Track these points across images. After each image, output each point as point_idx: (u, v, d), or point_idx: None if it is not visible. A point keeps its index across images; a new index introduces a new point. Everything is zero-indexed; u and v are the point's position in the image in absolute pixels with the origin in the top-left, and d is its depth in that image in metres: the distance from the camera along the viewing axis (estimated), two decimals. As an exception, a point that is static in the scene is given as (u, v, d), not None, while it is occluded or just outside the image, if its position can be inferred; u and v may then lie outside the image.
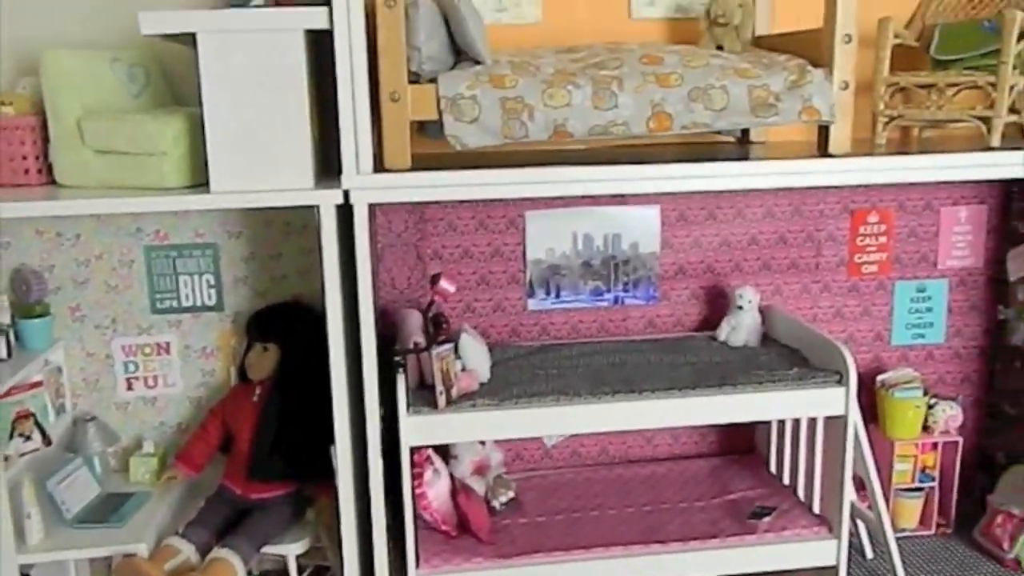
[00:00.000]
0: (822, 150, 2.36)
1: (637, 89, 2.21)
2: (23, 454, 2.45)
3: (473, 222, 2.83)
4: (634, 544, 2.51)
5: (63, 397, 2.71)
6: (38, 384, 2.53)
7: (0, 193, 2.24)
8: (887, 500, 2.83)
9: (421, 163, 2.23)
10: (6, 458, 2.34)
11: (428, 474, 2.51)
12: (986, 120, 2.43)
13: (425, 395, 2.37)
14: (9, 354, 2.48)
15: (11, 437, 2.42)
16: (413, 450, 2.38)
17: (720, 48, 2.57)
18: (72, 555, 2.47)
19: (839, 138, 2.33)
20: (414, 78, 2.20)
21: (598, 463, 3.03)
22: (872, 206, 2.97)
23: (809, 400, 2.47)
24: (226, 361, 2.79)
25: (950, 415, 2.93)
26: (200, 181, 2.21)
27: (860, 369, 2.78)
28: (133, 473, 2.71)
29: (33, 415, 2.48)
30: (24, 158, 2.33)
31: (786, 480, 2.84)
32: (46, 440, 2.51)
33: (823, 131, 2.37)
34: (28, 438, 2.46)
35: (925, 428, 2.94)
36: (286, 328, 2.63)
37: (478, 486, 2.73)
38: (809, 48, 2.33)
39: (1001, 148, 2.40)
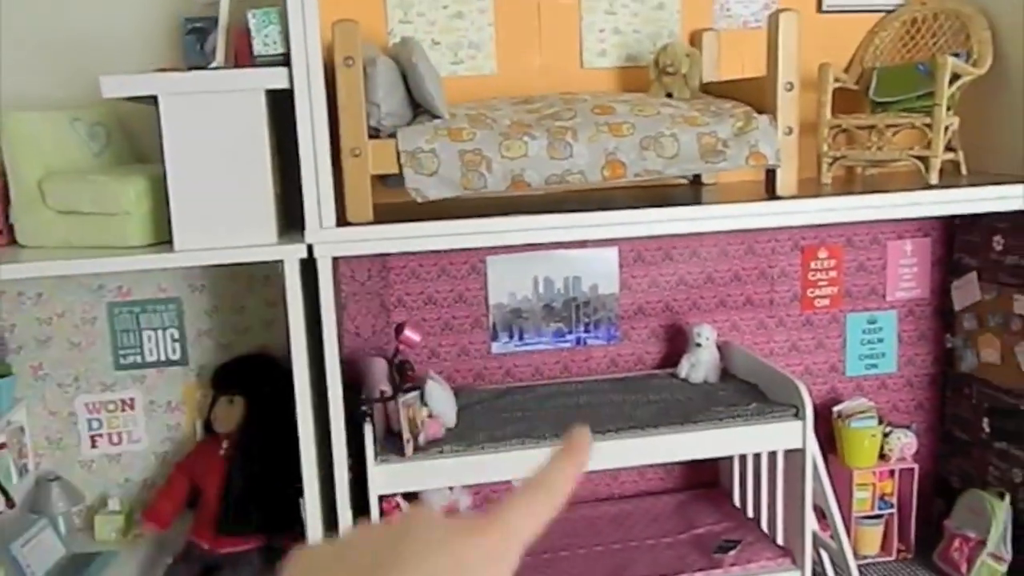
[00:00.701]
0: (770, 192, 2.45)
1: (591, 139, 2.29)
2: (-14, 518, 2.42)
3: (435, 269, 2.88)
4: (603, 583, 2.55)
5: (26, 457, 2.68)
6: (1, 446, 2.50)
7: (-39, 256, 2.24)
8: (848, 528, 2.90)
9: (383, 214, 2.27)
10: (-32, 523, 2.31)
11: (397, 521, 2.52)
12: (924, 159, 2.56)
13: (393, 443, 2.40)
14: (-30, 416, 2.46)
15: (-27, 501, 2.39)
16: (382, 498, 2.39)
17: (670, 95, 2.67)
18: (38, 619, 2.44)
19: (786, 181, 2.42)
20: (374, 133, 2.25)
21: (566, 502, 3.05)
22: (821, 242, 3.08)
23: (768, 434, 2.54)
24: (191, 415, 2.79)
25: (905, 443, 3.02)
26: (163, 239, 2.22)
27: (816, 400, 2.87)
28: (99, 531, 2.68)
29: (-4, 478, 2.45)
30: (-16, 220, 2.34)
31: (750, 513, 2.90)
32: (9, 503, 2.48)
33: (770, 174, 2.46)
34: (-9, 501, 2.43)
35: (882, 456, 3.02)
36: (252, 380, 2.65)
37: (448, 531, 2.75)
38: (754, 95, 2.43)
39: (940, 185, 2.52)
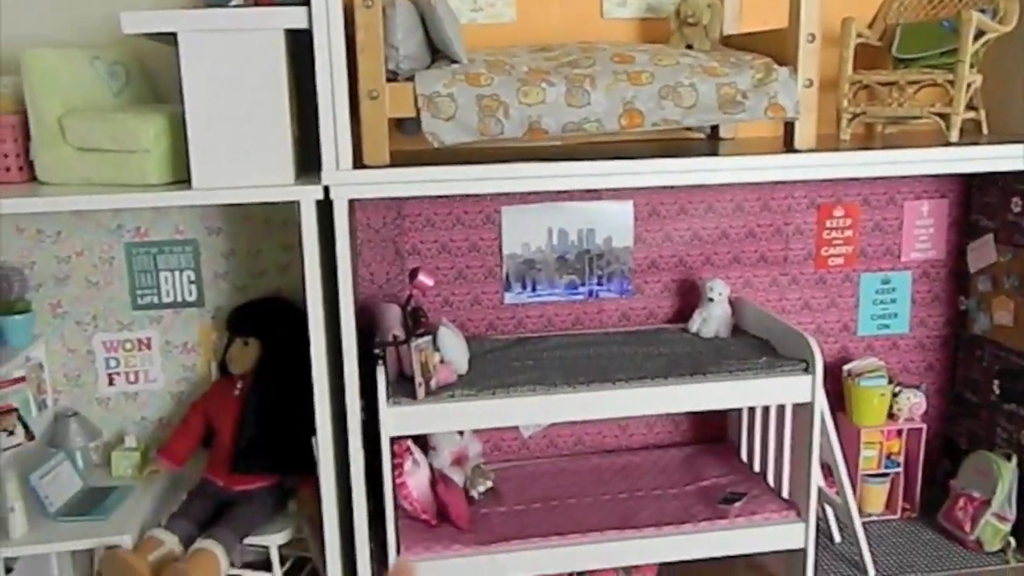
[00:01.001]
0: (788, 146, 2.44)
1: (609, 87, 2.28)
2: (6, 449, 2.47)
3: (450, 218, 2.89)
4: (610, 530, 2.57)
5: (45, 393, 2.73)
6: (20, 380, 2.55)
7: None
8: (854, 486, 2.92)
9: (399, 160, 2.28)
10: (-11, 453, 2.37)
11: (408, 464, 2.56)
12: (945, 116, 2.53)
13: (405, 387, 2.42)
14: (-10, 351, 2.51)
15: (-6, 432, 2.44)
16: (393, 440, 2.43)
17: (690, 47, 2.65)
18: (56, 547, 2.50)
19: (804, 134, 2.41)
20: (392, 76, 2.25)
21: (574, 453, 3.10)
22: (838, 200, 3.06)
23: (777, 388, 2.55)
24: (207, 356, 2.83)
25: (914, 403, 3.03)
26: (181, 178, 2.24)
27: (827, 359, 2.88)
28: (115, 467, 2.73)
29: (16, 410, 2.50)
30: (5, 156, 2.35)
31: (756, 467, 2.92)
32: (29, 435, 2.53)
33: (788, 127, 2.45)
34: (11, 433, 2.48)
35: (890, 416, 3.03)
36: (267, 323, 2.68)
37: (457, 476, 2.79)
38: (775, 47, 2.41)
39: (960, 143, 2.50)
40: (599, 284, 3.00)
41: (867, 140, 2.79)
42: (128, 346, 2.79)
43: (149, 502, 2.62)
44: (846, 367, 3.05)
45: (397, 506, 2.50)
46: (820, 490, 2.76)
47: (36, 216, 2.68)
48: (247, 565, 2.68)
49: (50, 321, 2.74)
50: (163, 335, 2.80)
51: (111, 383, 2.81)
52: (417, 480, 2.59)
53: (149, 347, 2.80)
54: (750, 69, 2.35)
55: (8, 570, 2.43)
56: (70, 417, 2.69)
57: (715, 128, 2.84)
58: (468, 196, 2.85)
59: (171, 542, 2.44)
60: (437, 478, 2.67)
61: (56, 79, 2.29)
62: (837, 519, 2.96)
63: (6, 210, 2.21)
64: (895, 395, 3.02)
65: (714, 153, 2.54)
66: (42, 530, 2.45)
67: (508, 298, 2.97)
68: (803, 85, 2.36)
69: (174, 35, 2.14)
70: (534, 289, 2.98)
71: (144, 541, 2.44)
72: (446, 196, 2.82)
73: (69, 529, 2.46)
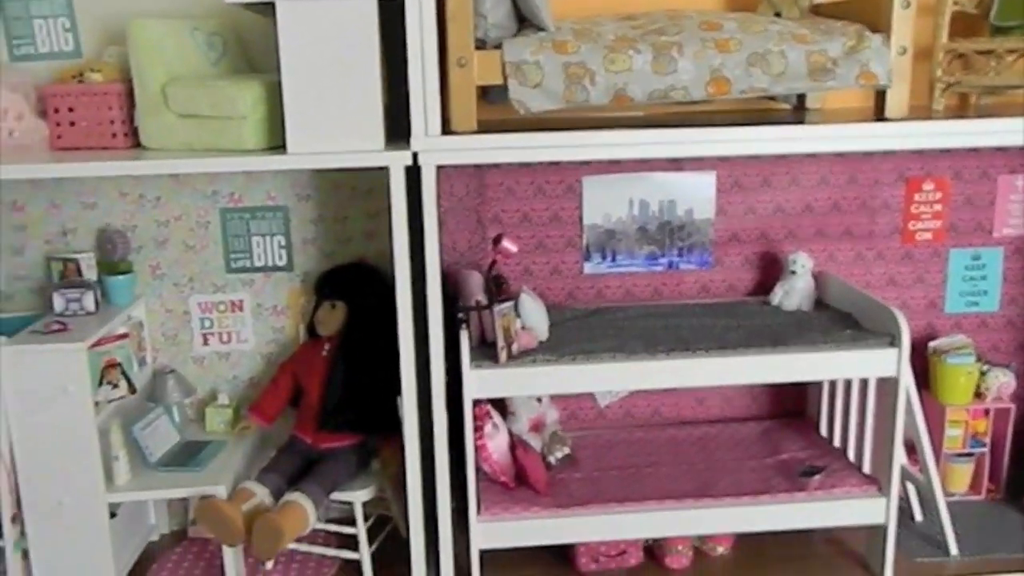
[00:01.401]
0: (879, 115, 2.39)
1: (697, 54, 2.27)
2: (110, 401, 2.61)
3: (532, 187, 2.92)
4: (687, 498, 2.59)
5: (144, 351, 2.87)
6: (123, 336, 2.69)
7: (89, 155, 2.39)
8: (937, 464, 2.87)
9: (485, 128, 2.32)
10: (96, 404, 2.50)
11: (488, 427, 2.61)
12: (1045, 85, 2.45)
13: (486, 351, 2.47)
14: (96, 308, 2.64)
15: (100, 384, 2.57)
16: (475, 403, 2.48)
17: (778, 15, 2.61)
18: (156, 495, 2.64)
19: (896, 103, 2.36)
20: (480, 44, 2.28)
21: (651, 424, 3.11)
22: (928, 174, 2.99)
23: (862, 361, 2.52)
24: (295, 319, 2.93)
25: (1003, 382, 2.95)
26: (277, 144, 2.32)
27: (913, 336, 2.81)
28: (209, 423, 2.86)
29: (119, 365, 2.63)
30: (112, 122, 2.46)
31: (836, 442, 2.89)
32: (131, 388, 2.66)
33: (880, 96, 2.40)
34: (115, 386, 2.61)
35: (977, 395, 2.96)
36: (354, 287, 2.76)
37: (535, 442, 2.84)
38: (867, 14, 2.36)
39: (1060, 113, 2.42)
40: (679, 255, 3.00)
41: (961, 111, 2.71)
42: (222, 308, 2.91)
43: (241, 457, 2.73)
44: (932, 344, 2.99)
45: (477, 468, 2.56)
46: (902, 467, 2.72)
47: (138, 181, 2.80)
48: (331, 520, 2.79)
49: (150, 282, 2.87)
50: (254, 298, 2.91)
51: (205, 343, 2.93)
52: (497, 443, 2.64)
53: (241, 309, 2.92)
54: (841, 36, 2.31)
55: (112, 514, 2.57)
56: (168, 374, 2.83)
57: (802, 99, 2.79)
58: (550, 166, 2.88)
59: (262, 494, 2.55)
60: (516, 442, 2.72)
61: (160, 49, 2.39)
62: (919, 498, 2.92)
63: (113, 172, 2.33)
64: (983, 374, 2.95)
65: (801, 122, 2.51)
66: (143, 478, 2.59)
67: (588, 268, 2.99)
68: (896, 52, 2.31)
69: (271, 5, 2.21)
70: (614, 259, 2.99)
71: (237, 492, 2.55)
72: (528, 166, 2.86)
73: (168, 478, 2.60)
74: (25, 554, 2.50)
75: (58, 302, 2.61)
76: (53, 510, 2.47)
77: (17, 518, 2.47)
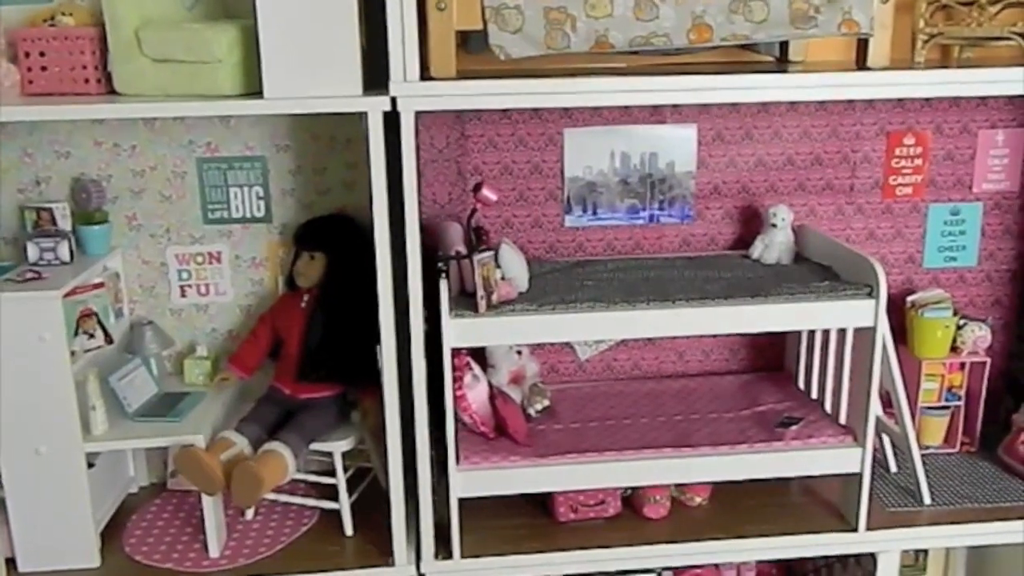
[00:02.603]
0: (861, 64, 2.38)
1: (678, 1, 2.25)
2: (87, 350, 2.59)
3: (513, 139, 2.90)
4: (665, 447, 2.61)
5: (121, 302, 2.84)
6: (99, 286, 2.66)
7: (62, 100, 2.34)
8: (913, 418, 2.90)
9: (464, 77, 2.29)
10: (72, 353, 2.48)
11: (468, 378, 2.62)
12: (1027, 36, 2.45)
13: (466, 302, 2.46)
14: (71, 258, 2.61)
15: (76, 334, 2.55)
16: (454, 352, 2.48)
17: (761, -36, 2.58)
18: (135, 444, 2.63)
19: (878, 52, 2.35)
20: (460, -12, 2.25)
21: (631, 377, 3.12)
22: (908, 128, 2.99)
23: (839, 311, 2.53)
24: (274, 271, 2.91)
25: (979, 336, 2.98)
26: (253, 90, 2.28)
27: (891, 290, 2.83)
28: (188, 375, 2.85)
29: (96, 314, 2.61)
30: (84, 67, 2.41)
31: (814, 395, 2.92)
32: (108, 339, 2.64)
33: (862, 46, 2.39)
34: (91, 336, 2.60)
35: (953, 349, 2.99)
36: (333, 238, 2.73)
37: (515, 394, 2.84)
38: (851, -39, 2.34)
39: (1042, 64, 2.42)
40: (660, 209, 3.00)
41: (943, 64, 2.70)
42: (199, 259, 2.88)
43: (219, 408, 2.72)
44: (910, 298, 3.01)
45: (457, 418, 2.56)
46: (878, 419, 2.75)
47: (113, 130, 2.76)
48: (311, 472, 2.79)
49: (126, 233, 2.84)
50: (233, 249, 2.89)
51: (183, 295, 2.90)
52: (476, 394, 2.65)
53: (219, 261, 2.89)
54: (824, -17, 2.29)
55: (89, 464, 2.56)
56: (145, 326, 2.81)
57: (784, 51, 2.77)
58: (531, 117, 2.86)
59: (241, 443, 2.55)
60: (496, 394, 2.73)
61: (133, -9, 2.35)
62: (894, 449, 2.96)
63: (82, 116, 2.29)
64: (959, 328, 2.98)
65: (783, 72, 2.50)
66: (121, 428, 2.57)
67: (569, 221, 2.98)
68: (879, 1, 2.30)
69: (246, -55, 2.17)
70: (595, 213, 2.99)
71: (216, 442, 2.55)
72: (509, 116, 2.84)
73: (146, 428, 2.58)
74: (2, 503, 2.49)
75: (32, 251, 2.58)
76: (30, 459, 2.46)
77: (-7, 468, 2.46)
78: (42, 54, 2.40)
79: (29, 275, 2.49)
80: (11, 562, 2.53)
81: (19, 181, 2.77)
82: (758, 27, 2.28)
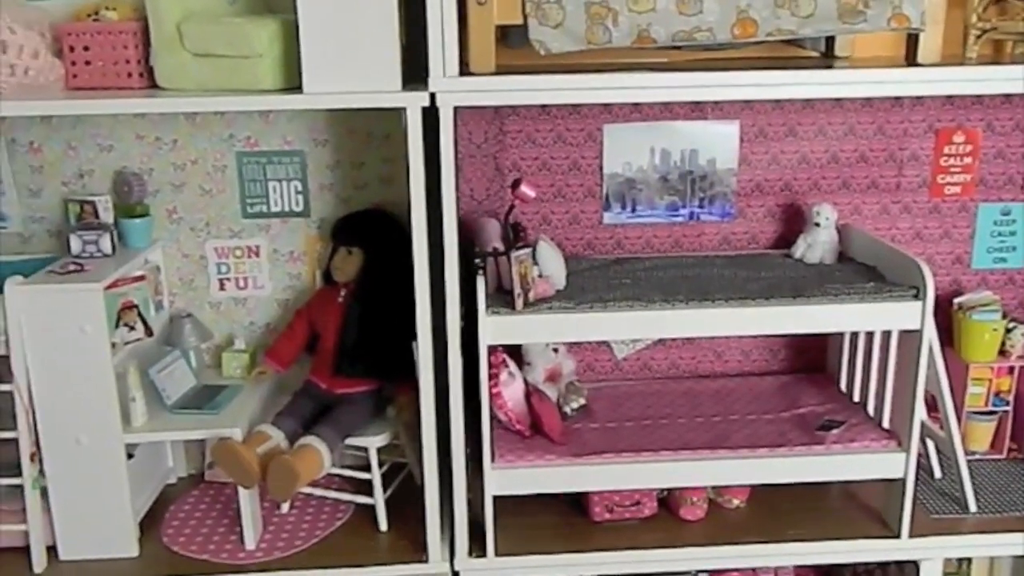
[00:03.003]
0: (910, 60, 2.32)
1: (723, -6, 2.20)
2: (127, 343, 2.61)
3: (552, 135, 2.87)
4: (702, 449, 2.57)
5: (161, 295, 2.87)
6: (140, 278, 2.68)
7: (105, 95, 2.36)
8: (959, 423, 2.82)
9: (505, 72, 2.27)
10: (113, 345, 2.51)
11: (503, 375, 2.60)
12: (1086, 31, 2.36)
13: (503, 298, 2.44)
14: (113, 251, 2.63)
15: (117, 326, 2.58)
16: (491, 349, 2.46)
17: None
18: (173, 436, 2.67)
19: (929, 47, 2.29)
20: (500, -18, 2.23)
21: (668, 376, 3.09)
22: (958, 125, 2.91)
23: (885, 313, 2.47)
24: (312, 265, 2.92)
25: (1029, 340, 2.90)
26: (293, 84, 2.29)
27: (938, 291, 2.75)
28: (225, 368, 2.86)
29: (136, 307, 2.63)
30: (127, 62, 2.42)
31: (856, 398, 2.86)
32: (148, 331, 2.66)
33: (912, 41, 2.33)
34: (132, 328, 2.62)
35: (1002, 352, 2.91)
36: (370, 233, 2.73)
37: (551, 392, 2.82)
38: (902, -46, 2.28)
39: (1100, 61, 2.34)
40: (700, 206, 2.95)
41: (996, 61, 2.62)
42: (238, 253, 2.90)
43: (256, 401, 2.74)
44: (957, 300, 2.94)
45: (492, 416, 2.55)
46: (923, 423, 2.69)
47: (155, 124, 2.78)
48: (347, 466, 2.80)
49: (167, 226, 2.86)
50: (271, 243, 2.90)
51: (222, 288, 2.92)
52: (512, 391, 2.63)
53: (258, 255, 2.90)
54: (874, -24, 2.23)
55: (129, 455, 2.59)
56: (184, 318, 2.83)
57: (830, 47, 2.72)
58: (570, 113, 2.83)
59: (277, 437, 2.56)
60: (532, 391, 2.71)
61: (176, -15, 2.36)
62: (939, 455, 2.89)
63: (124, 110, 2.30)
64: (1008, 331, 2.90)
65: (829, 68, 2.44)
66: (160, 420, 2.60)
67: (607, 218, 2.95)
68: (931, -6, 2.23)
69: (288, -60, 2.16)
70: (634, 210, 2.95)
71: (252, 435, 2.56)
72: (548, 112, 2.82)
73: (184, 420, 2.60)
74: (44, 492, 2.53)
75: (75, 244, 2.61)
76: (71, 449, 2.49)
77: (36, 456, 2.49)
78: (86, 48, 2.42)
79: (71, 267, 2.52)
80: (52, 550, 2.57)
81: (63, 174, 2.81)
82: (804, 22, 2.22)
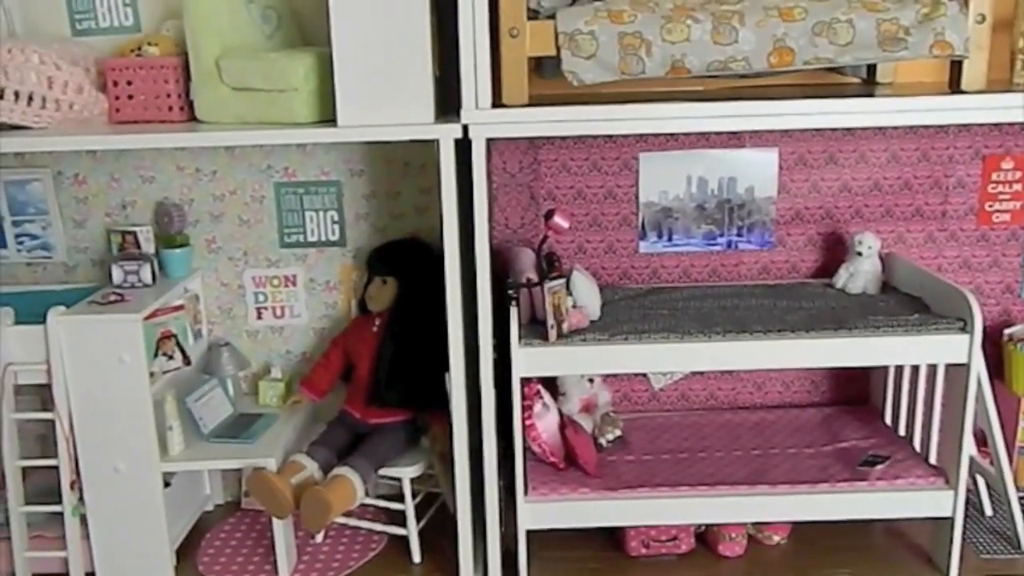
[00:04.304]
0: (954, 87, 2.26)
1: (759, 23, 2.17)
2: (166, 372, 2.65)
3: (587, 163, 2.86)
4: (741, 484, 2.51)
5: (200, 323, 2.91)
6: (179, 308, 2.72)
7: (146, 128, 2.41)
8: (1010, 458, 2.72)
9: (537, 102, 2.26)
10: (151, 374, 2.54)
11: (537, 407, 2.58)
12: None
13: (536, 330, 2.43)
14: (153, 280, 2.68)
15: (155, 356, 2.61)
16: (524, 381, 2.44)
17: (847, -17, 2.49)
18: (208, 465, 2.69)
19: (973, 74, 2.23)
20: (533, 14, 2.23)
21: (706, 408, 3.03)
22: (1007, 152, 2.83)
23: (931, 347, 2.40)
24: (347, 294, 2.93)
25: (1084, 373, 2.79)
26: (328, 117, 2.31)
27: (987, 322, 2.68)
28: (262, 396, 2.88)
29: (175, 336, 2.67)
30: (168, 96, 2.48)
31: (902, 431, 2.78)
32: (186, 360, 2.70)
33: (955, 67, 2.27)
34: (170, 357, 2.65)
35: (1055, 385, 2.81)
36: (405, 263, 2.74)
37: (586, 423, 2.79)
38: (944, -21, 2.23)
39: None
40: (739, 235, 2.91)
41: (1044, 85, 2.55)
42: (275, 282, 2.93)
43: (292, 430, 2.75)
44: (1007, 331, 2.84)
45: (526, 447, 2.52)
46: (972, 459, 2.59)
47: (195, 155, 2.83)
48: (381, 496, 2.79)
49: (206, 256, 2.90)
50: (307, 273, 2.92)
51: (259, 317, 2.95)
52: (546, 423, 2.60)
53: (294, 284, 2.93)
54: (915, 3, 2.18)
55: (166, 484, 2.61)
56: (222, 347, 2.86)
57: (871, 72, 2.67)
58: (606, 141, 2.82)
59: (311, 467, 2.56)
60: (566, 423, 2.68)
61: (215, 21, 2.40)
62: (989, 491, 2.79)
63: (159, 144, 2.35)
64: (1062, 364, 2.79)
65: (870, 96, 2.39)
66: (196, 449, 2.62)
67: (643, 247, 2.92)
68: (974, 20, 2.18)
69: (324, -24, 2.19)
70: (670, 239, 2.91)
71: (287, 465, 2.57)
72: (583, 140, 2.80)
73: (220, 449, 2.63)
74: (83, 519, 2.56)
75: (116, 274, 2.66)
76: (109, 477, 2.52)
77: (76, 484, 2.53)
78: (129, 83, 2.48)
79: (112, 297, 2.57)
80: (91, 576, 2.60)
81: (107, 205, 2.87)
82: (843, 50, 2.18)
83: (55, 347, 2.45)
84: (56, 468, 2.52)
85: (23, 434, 2.60)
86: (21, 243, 2.89)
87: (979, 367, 2.44)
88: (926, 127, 2.78)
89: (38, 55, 2.40)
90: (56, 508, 2.54)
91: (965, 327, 2.38)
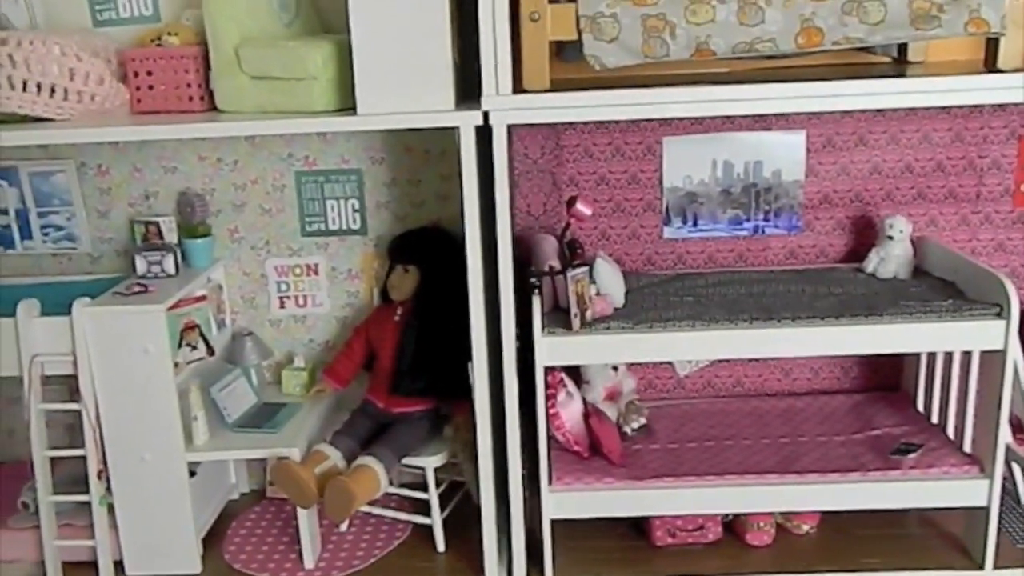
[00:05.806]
0: (990, 65, 2.19)
1: (786, 3, 2.11)
2: (190, 362, 2.65)
3: (609, 148, 2.81)
4: (769, 473, 2.48)
5: (223, 313, 2.91)
6: (202, 299, 2.72)
7: (167, 119, 2.40)
8: (1047, 445, 2.67)
9: (559, 87, 2.22)
10: (176, 365, 2.54)
11: (561, 395, 2.55)
12: None
13: (559, 318, 2.40)
14: (177, 271, 2.68)
15: (179, 346, 2.62)
16: (547, 370, 2.42)
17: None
18: (233, 455, 2.70)
19: (1010, 52, 2.16)
20: (554, -2, 2.19)
21: (732, 395, 2.99)
22: (1044, 131, 2.75)
23: (965, 333, 2.34)
24: (369, 283, 2.92)
25: (1124, 358, 2.71)
26: (347, 105, 2.28)
27: (1022, 306, 2.61)
28: (285, 385, 2.88)
29: (198, 326, 2.67)
30: (188, 86, 2.46)
31: (935, 419, 2.72)
32: (210, 350, 2.70)
33: (991, 45, 2.20)
34: (194, 348, 2.65)
35: (1094, 371, 2.73)
36: (426, 251, 2.72)
37: (610, 412, 2.76)
38: (979, -46, 2.15)
39: None
40: (765, 220, 2.85)
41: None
42: (297, 271, 2.92)
43: (315, 419, 2.75)
44: (1044, 316, 2.77)
45: (550, 436, 2.50)
46: (1007, 447, 2.53)
47: (216, 145, 2.82)
48: (404, 485, 2.78)
49: (228, 245, 2.90)
50: (329, 261, 2.91)
51: (282, 306, 2.95)
52: (570, 412, 2.58)
53: (316, 273, 2.92)
54: (949, -21, 2.11)
55: (192, 473, 2.62)
56: (246, 336, 2.86)
57: (902, 51, 2.60)
58: (629, 126, 2.77)
59: (335, 457, 2.56)
60: (590, 411, 2.65)
61: (233, 9, 2.38)
62: (1025, 479, 2.73)
63: (176, 135, 2.34)
64: (1102, 349, 2.71)
65: (902, 76, 2.33)
66: (221, 439, 2.63)
67: (667, 232, 2.88)
68: (1011, -4, 2.11)
69: (341, -38, 2.16)
70: (695, 224, 2.87)
71: (311, 454, 2.57)
72: (606, 125, 2.76)
73: (244, 439, 2.63)
74: (111, 508, 2.58)
75: (140, 264, 2.67)
76: (136, 466, 2.54)
77: (103, 474, 2.55)
78: (149, 73, 2.47)
79: (136, 288, 2.57)
80: (119, 564, 2.62)
81: (130, 195, 2.87)
82: (874, 29, 2.12)
83: (80, 338, 2.46)
84: (84, 458, 2.54)
85: (51, 424, 2.62)
86: (47, 234, 2.91)
87: (1016, 353, 2.38)
88: (959, 107, 2.71)
89: (59, 47, 2.40)
90: (84, 497, 2.56)
91: (1001, 312, 2.31)
